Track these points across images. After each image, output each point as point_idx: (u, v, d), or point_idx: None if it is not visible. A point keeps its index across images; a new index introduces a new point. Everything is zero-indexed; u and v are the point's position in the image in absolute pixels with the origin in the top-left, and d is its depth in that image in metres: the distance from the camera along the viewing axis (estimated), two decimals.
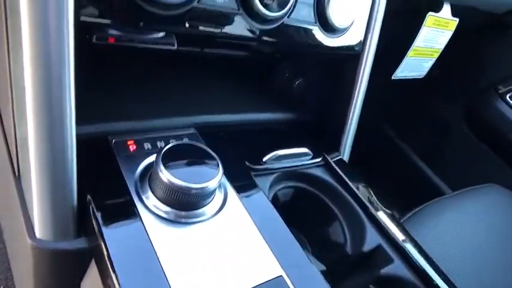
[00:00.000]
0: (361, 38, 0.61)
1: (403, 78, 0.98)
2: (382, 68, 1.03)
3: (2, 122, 0.53)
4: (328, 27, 0.55)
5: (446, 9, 0.90)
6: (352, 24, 0.57)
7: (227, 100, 0.62)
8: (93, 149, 0.46)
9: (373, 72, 0.63)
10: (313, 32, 0.55)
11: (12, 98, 0.40)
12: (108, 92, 0.55)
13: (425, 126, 1.39)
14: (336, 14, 0.54)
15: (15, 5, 0.32)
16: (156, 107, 0.54)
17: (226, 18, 0.46)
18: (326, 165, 0.61)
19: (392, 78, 0.94)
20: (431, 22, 0.88)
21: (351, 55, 0.62)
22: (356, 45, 0.61)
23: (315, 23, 0.53)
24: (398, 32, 0.98)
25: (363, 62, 0.63)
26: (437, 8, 0.88)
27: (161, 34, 0.50)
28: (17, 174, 0.46)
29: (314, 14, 0.53)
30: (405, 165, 1.41)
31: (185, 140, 0.52)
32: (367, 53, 0.62)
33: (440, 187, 1.34)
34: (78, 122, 0.37)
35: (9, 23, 0.36)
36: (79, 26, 0.35)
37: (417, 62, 0.96)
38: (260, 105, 0.64)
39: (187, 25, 0.43)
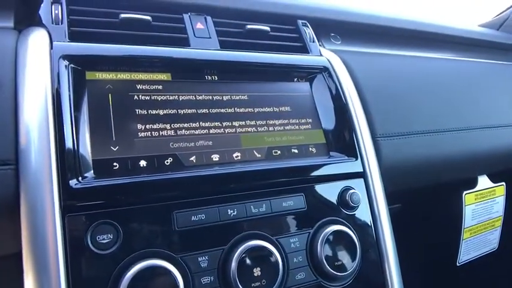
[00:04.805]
0: (378, 268, 0.58)
1: (473, 259, 0.88)
2: (444, 260, 0.94)
3: None
4: (335, 277, 0.53)
5: (483, 180, 0.86)
6: (357, 261, 0.56)
7: None
8: None
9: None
10: (322, 284, 0.53)
11: None
12: None
13: None
14: (336, 262, 0.54)
15: None
16: None
17: None
18: None
19: (459, 264, 0.85)
20: (472, 199, 0.83)
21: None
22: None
23: (316, 279, 0.53)
24: (443, 216, 0.93)
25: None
26: (472, 185, 0.84)
27: None
28: None
29: (312, 272, 0.53)
30: None
31: None
32: (391, 279, 0.58)
33: None
34: None
35: None
36: None
37: (479, 239, 0.87)
38: None
39: None
